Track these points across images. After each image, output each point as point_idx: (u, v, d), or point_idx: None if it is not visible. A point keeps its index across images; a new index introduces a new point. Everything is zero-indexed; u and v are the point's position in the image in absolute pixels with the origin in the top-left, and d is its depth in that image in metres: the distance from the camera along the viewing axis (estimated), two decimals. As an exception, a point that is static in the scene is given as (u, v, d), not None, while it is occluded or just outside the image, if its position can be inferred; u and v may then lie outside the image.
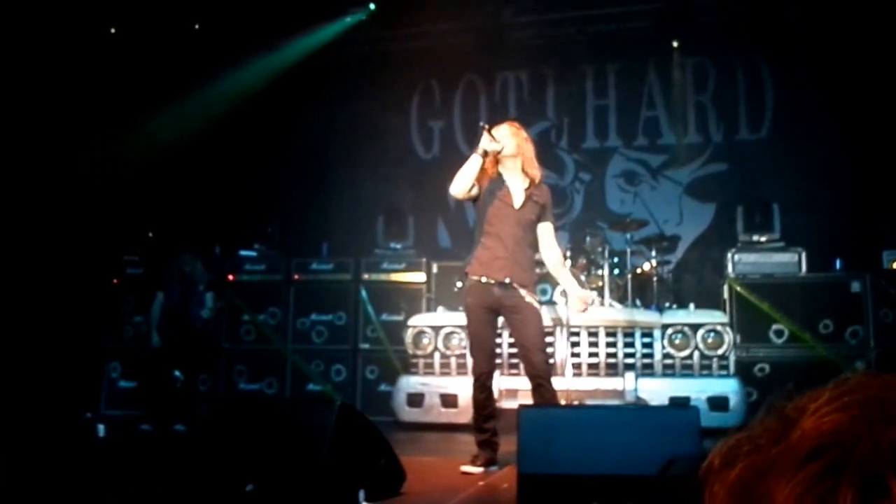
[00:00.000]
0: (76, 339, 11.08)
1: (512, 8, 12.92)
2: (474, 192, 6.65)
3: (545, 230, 6.79)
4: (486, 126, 6.58)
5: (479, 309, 6.67)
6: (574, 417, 5.36)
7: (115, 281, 11.75)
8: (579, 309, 6.84)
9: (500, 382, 8.62)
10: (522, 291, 6.50)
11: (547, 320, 8.70)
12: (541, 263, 7.23)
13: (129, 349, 11.36)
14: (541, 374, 6.51)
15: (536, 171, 6.76)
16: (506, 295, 6.53)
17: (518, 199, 6.64)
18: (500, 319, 6.83)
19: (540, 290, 9.45)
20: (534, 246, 6.78)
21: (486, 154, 6.53)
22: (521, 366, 6.98)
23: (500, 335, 7.99)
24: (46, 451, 6.16)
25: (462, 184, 6.56)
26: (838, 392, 0.76)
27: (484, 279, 6.58)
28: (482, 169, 6.59)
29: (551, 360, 8.93)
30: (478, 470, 6.49)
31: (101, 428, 8.25)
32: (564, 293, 9.12)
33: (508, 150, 6.63)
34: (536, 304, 6.59)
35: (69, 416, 10.09)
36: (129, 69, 11.72)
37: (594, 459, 4.75)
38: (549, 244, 6.82)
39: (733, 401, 9.01)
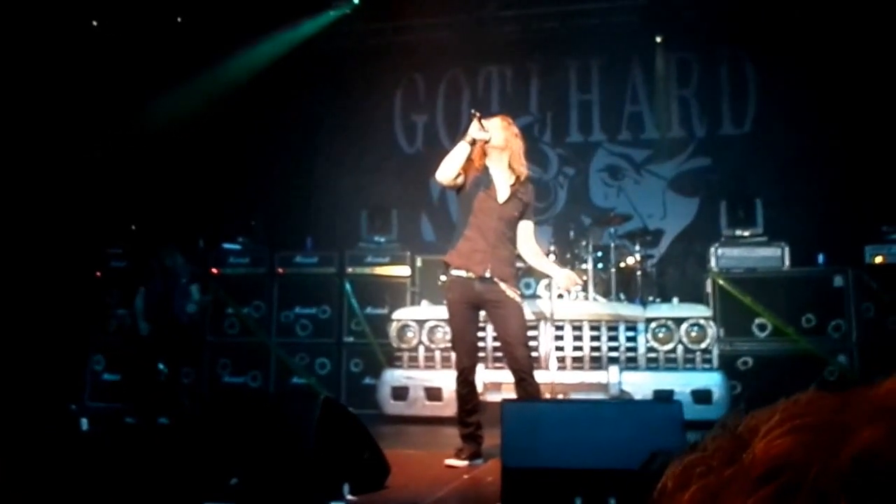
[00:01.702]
0: (60, 332, 11.05)
1: (496, 2, 12.90)
2: (459, 180, 6.64)
3: (525, 228, 6.79)
4: (477, 114, 6.56)
5: (460, 304, 6.67)
6: (558, 411, 5.37)
7: (98, 274, 11.74)
8: (567, 284, 6.86)
9: (483, 376, 8.64)
10: (503, 285, 6.51)
11: (531, 314, 8.77)
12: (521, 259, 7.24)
13: (113, 342, 11.36)
14: (523, 368, 6.53)
15: (523, 168, 6.74)
16: (487, 290, 6.54)
17: (503, 194, 6.64)
18: (483, 313, 6.83)
19: (524, 283, 9.50)
20: (514, 242, 6.76)
21: (473, 142, 6.53)
22: (505, 360, 6.99)
23: (483, 329, 7.97)
24: (30, 443, 6.15)
25: (449, 170, 6.55)
26: (789, 413, 0.77)
27: (464, 273, 6.59)
28: (469, 159, 6.58)
29: (535, 354, 8.99)
30: (462, 463, 6.50)
31: (84, 422, 8.23)
32: (549, 286, 9.18)
33: (497, 141, 6.61)
34: (518, 298, 6.59)
35: (53, 408, 10.07)
36: (113, 63, 11.67)
37: (578, 453, 4.76)
38: (528, 240, 6.81)
39: (717, 394, 9.04)
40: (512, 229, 6.70)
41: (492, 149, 6.65)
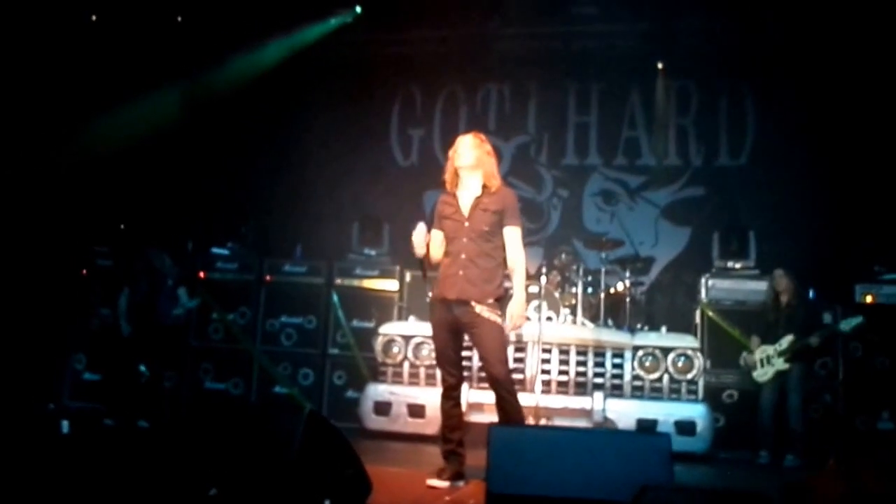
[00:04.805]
0: (42, 329, 10.95)
1: (499, 19, 12.81)
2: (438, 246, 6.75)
3: (507, 235, 6.68)
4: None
5: (439, 327, 6.69)
6: (545, 438, 5.31)
7: (84, 272, 11.64)
8: (509, 322, 6.68)
9: (467, 396, 8.59)
10: (478, 308, 6.45)
11: (520, 336, 8.78)
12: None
13: (96, 341, 11.26)
14: (503, 386, 6.49)
15: (496, 182, 6.73)
16: (461, 312, 6.52)
17: (466, 211, 6.64)
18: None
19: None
20: (496, 254, 6.66)
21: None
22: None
23: (470, 349, 7.89)
24: (9, 444, 6.07)
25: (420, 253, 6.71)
26: None
27: (441, 298, 6.59)
28: (443, 181, 6.77)
29: (521, 376, 8.97)
30: (444, 484, 6.43)
31: (65, 424, 8.15)
32: (538, 309, 9.15)
33: (467, 161, 6.64)
34: (494, 318, 6.50)
35: (32, 406, 9.98)
36: (109, 59, 11.60)
37: (564, 482, 4.71)
38: (509, 249, 6.68)
39: (700, 426, 9.02)
40: (488, 242, 6.63)
41: (462, 169, 6.64)
